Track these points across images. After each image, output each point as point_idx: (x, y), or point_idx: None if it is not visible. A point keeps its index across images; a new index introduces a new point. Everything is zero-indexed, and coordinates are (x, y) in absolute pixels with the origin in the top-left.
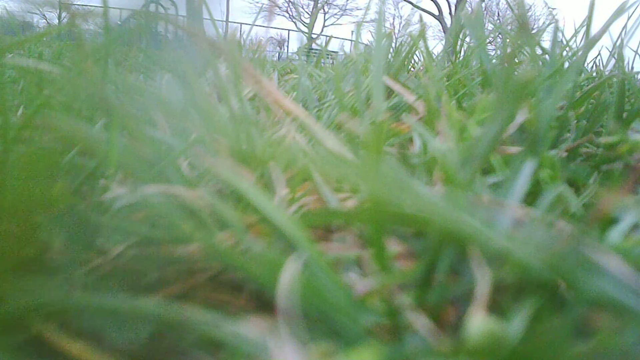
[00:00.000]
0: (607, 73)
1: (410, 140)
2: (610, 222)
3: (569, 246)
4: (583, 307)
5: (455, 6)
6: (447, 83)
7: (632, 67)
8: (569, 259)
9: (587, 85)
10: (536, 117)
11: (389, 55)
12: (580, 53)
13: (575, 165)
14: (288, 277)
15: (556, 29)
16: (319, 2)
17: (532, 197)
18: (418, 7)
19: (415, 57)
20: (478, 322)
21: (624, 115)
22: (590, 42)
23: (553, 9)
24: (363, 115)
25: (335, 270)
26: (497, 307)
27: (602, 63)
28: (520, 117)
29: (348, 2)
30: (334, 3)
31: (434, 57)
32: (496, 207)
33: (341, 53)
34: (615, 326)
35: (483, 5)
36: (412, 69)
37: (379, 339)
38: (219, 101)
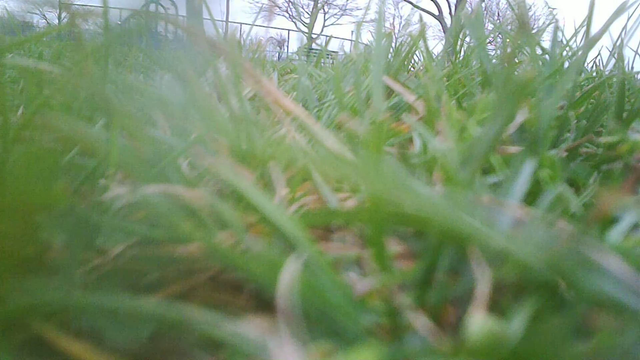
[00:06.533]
0: (607, 73)
1: (410, 140)
2: (610, 222)
3: (569, 246)
4: (583, 307)
5: (455, 6)
6: (447, 83)
7: (632, 67)
8: (569, 259)
9: (587, 85)
10: (536, 117)
11: (389, 55)
12: (580, 53)
13: (575, 165)
14: (288, 277)
15: (556, 28)
16: (319, 2)
17: (532, 197)
18: (418, 7)
19: (415, 57)
20: (478, 322)
21: (624, 115)
22: (590, 42)
23: (553, 9)
24: (363, 115)
25: (335, 270)
26: (497, 307)
27: (602, 63)
28: (520, 117)
29: (348, 2)
30: (334, 3)
31: (434, 57)
32: (496, 207)
33: (341, 53)
34: (615, 326)
35: (483, 5)
36: (412, 68)
37: (379, 339)
38: (219, 101)
